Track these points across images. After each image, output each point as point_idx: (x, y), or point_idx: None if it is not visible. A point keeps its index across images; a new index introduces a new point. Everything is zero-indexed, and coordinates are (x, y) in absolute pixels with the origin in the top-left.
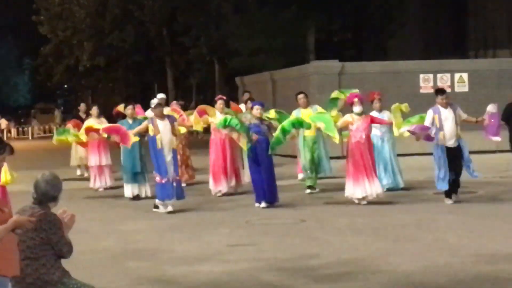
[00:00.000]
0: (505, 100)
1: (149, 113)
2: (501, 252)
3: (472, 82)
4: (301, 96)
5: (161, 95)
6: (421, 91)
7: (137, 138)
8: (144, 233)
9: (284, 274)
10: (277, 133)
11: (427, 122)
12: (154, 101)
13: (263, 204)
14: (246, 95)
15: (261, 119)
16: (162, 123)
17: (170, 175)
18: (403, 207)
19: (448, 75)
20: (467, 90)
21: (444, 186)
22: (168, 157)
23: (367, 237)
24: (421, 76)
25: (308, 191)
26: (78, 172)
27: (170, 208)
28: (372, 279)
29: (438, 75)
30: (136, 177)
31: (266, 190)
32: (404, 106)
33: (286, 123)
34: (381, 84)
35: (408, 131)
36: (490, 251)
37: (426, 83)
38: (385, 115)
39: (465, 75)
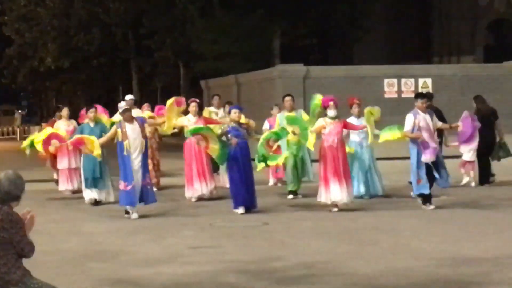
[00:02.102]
0: (468, 105)
1: (117, 117)
2: (463, 256)
3: (436, 87)
4: (288, 98)
5: (129, 96)
6: (385, 96)
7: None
8: (106, 235)
9: (247, 276)
10: (259, 149)
11: (408, 127)
12: (122, 105)
13: (241, 210)
14: (216, 98)
15: (239, 123)
16: (130, 127)
17: (137, 182)
18: (368, 212)
19: (412, 80)
20: None
21: (424, 189)
22: (136, 162)
23: (330, 240)
24: (386, 81)
25: (290, 196)
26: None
27: (135, 216)
28: (334, 282)
29: (403, 80)
30: (96, 182)
31: (246, 195)
32: (376, 111)
33: (262, 139)
34: (345, 89)
35: None
36: (451, 255)
37: (390, 88)
38: (363, 121)
39: (429, 80)
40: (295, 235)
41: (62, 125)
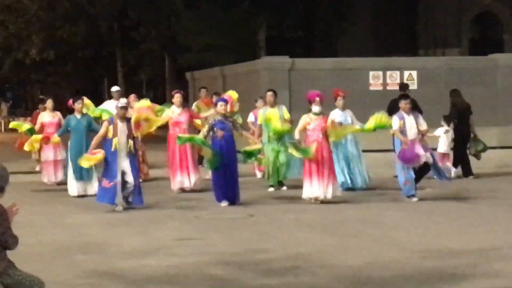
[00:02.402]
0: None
1: (108, 106)
2: (447, 248)
3: (421, 80)
4: (269, 93)
5: (116, 88)
6: (371, 88)
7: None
8: (92, 227)
9: (232, 268)
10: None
11: (395, 126)
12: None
13: (224, 203)
14: (203, 91)
15: (225, 116)
16: (121, 125)
17: (118, 180)
18: (351, 204)
19: (398, 72)
20: (416, 87)
21: (410, 192)
22: (122, 160)
23: (315, 232)
24: (371, 73)
25: (271, 189)
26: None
27: (119, 208)
28: (319, 274)
29: (388, 73)
30: (82, 174)
31: (228, 189)
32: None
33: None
34: (331, 81)
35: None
36: (436, 247)
37: (375, 80)
38: (349, 113)
39: (414, 73)
40: (280, 227)
41: (47, 117)
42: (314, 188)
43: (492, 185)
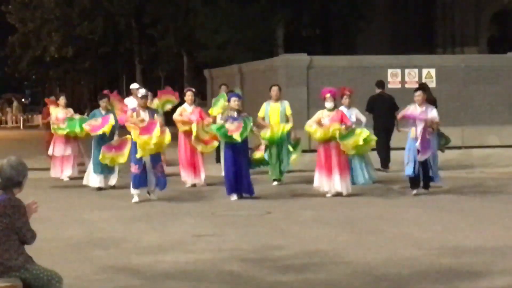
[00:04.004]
0: (471, 95)
1: (128, 103)
2: (464, 246)
3: (439, 78)
4: (274, 88)
5: (136, 85)
6: (389, 86)
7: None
8: (109, 223)
9: (248, 265)
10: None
11: (408, 111)
12: (142, 91)
13: (233, 197)
14: (224, 88)
15: (238, 111)
16: (143, 114)
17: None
18: (368, 201)
19: (416, 70)
20: (434, 85)
21: (409, 171)
22: None
23: (331, 229)
24: (389, 71)
25: (275, 183)
26: None
27: (136, 199)
28: (335, 270)
29: (406, 70)
30: (103, 168)
31: (238, 182)
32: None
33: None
34: (349, 78)
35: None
36: (453, 245)
37: (394, 78)
38: (353, 112)
39: (432, 71)
40: (297, 224)
41: (60, 113)
42: (321, 181)
43: (509, 183)
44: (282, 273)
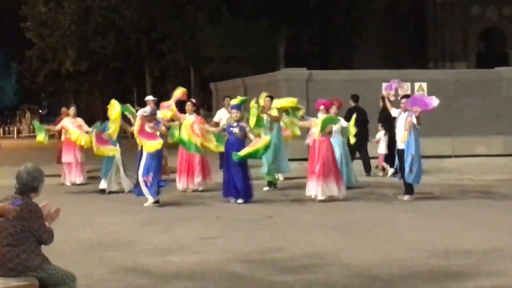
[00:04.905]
0: (461, 107)
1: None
2: (453, 249)
3: (431, 91)
4: (267, 99)
5: (151, 97)
6: None
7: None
8: (120, 226)
9: (251, 266)
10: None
11: (393, 113)
12: (147, 109)
13: (230, 200)
14: (227, 100)
15: (238, 121)
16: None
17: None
18: (363, 206)
19: (409, 84)
20: None
21: (415, 181)
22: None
23: (329, 232)
24: (383, 84)
25: (266, 188)
26: None
27: (149, 203)
28: (333, 271)
29: None
30: (107, 171)
31: (232, 186)
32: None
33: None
34: (345, 91)
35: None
36: (442, 247)
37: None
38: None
39: (424, 84)
40: (297, 228)
41: (68, 122)
42: (310, 186)
43: (496, 190)
44: (283, 274)
